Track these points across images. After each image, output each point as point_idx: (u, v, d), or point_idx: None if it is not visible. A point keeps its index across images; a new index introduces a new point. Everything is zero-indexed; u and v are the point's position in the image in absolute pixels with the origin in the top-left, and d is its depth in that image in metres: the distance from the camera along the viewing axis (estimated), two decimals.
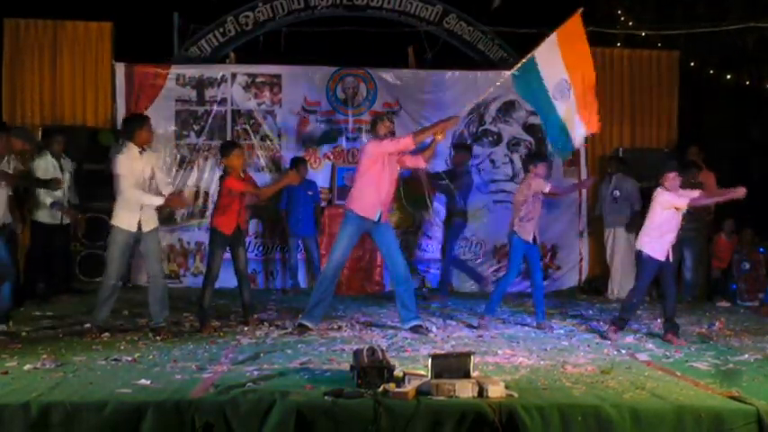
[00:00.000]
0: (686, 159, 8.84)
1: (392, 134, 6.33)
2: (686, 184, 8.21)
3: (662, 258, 6.16)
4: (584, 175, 9.69)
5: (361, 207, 6.18)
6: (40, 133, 8.43)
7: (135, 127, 5.97)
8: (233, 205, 6.34)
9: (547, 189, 6.67)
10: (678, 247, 8.12)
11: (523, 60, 6.11)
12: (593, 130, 6.13)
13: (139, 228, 5.90)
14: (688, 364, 5.23)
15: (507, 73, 6.29)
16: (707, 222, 8.90)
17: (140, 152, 5.93)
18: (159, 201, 5.90)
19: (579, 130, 6.07)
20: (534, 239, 6.74)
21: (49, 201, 7.49)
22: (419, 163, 6.43)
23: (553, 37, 5.96)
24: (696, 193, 6.24)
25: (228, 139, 9.01)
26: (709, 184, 8.83)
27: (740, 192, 6.10)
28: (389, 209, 6.37)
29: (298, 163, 8.75)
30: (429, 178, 7.92)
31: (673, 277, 6.42)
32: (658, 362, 5.31)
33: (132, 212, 5.87)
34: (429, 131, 6.18)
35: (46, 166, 7.60)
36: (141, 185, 5.89)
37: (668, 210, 6.09)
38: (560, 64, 5.94)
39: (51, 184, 7.39)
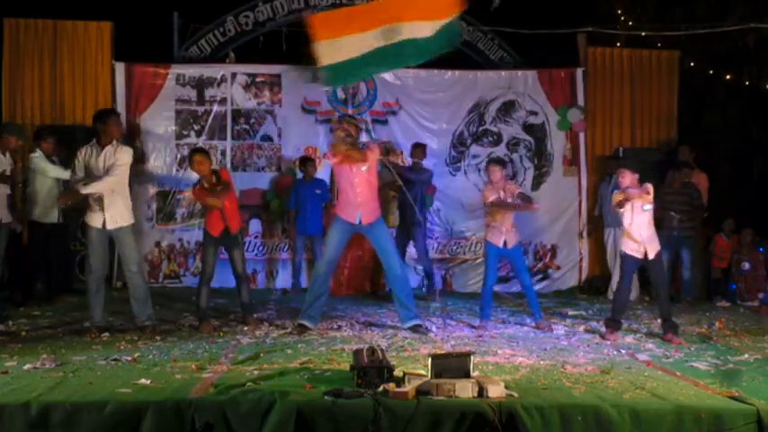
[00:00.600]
0: (678, 159, 8.84)
1: (353, 138, 6.23)
2: (677, 184, 8.26)
3: (638, 256, 6.21)
4: (583, 175, 9.70)
5: (341, 210, 6.31)
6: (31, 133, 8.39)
7: (102, 121, 6.00)
8: (213, 209, 6.36)
9: (490, 199, 6.61)
10: (674, 246, 8.17)
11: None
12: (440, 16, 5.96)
13: (104, 225, 5.93)
14: (688, 364, 5.23)
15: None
16: (702, 221, 8.88)
17: (103, 146, 5.95)
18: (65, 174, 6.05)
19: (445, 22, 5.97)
20: (505, 243, 6.67)
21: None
22: (376, 153, 6.36)
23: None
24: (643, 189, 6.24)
25: (229, 139, 9.03)
26: (702, 184, 8.84)
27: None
28: (374, 210, 6.30)
29: (305, 163, 8.75)
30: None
31: (662, 276, 6.40)
32: (658, 362, 5.31)
33: (96, 210, 5.95)
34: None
35: (38, 163, 7.55)
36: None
37: (626, 207, 6.15)
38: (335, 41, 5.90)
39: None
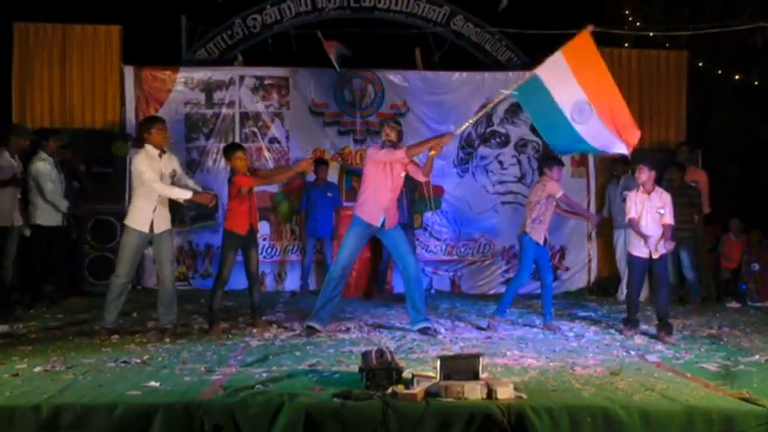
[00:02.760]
0: (677, 159, 8.81)
1: (393, 142, 6.21)
2: (676, 184, 8.22)
3: (645, 256, 6.30)
4: (591, 176, 9.68)
5: (364, 212, 6.21)
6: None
7: (148, 128, 5.99)
8: (243, 205, 6.36)
9: (559, 194, 6.67)
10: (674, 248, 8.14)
11: (526, 79, 5.89)
12: (630, 148, 5.91)
13: (151, 229, 5.93)
14: (698, 366, 5.20)
15: (505, 92, 6.13)
16: (702, 220, 8.81)
17: (159, 154, 5.96)
18: (187, 194, 5.90)
19: (616, 147, 5.92)
20: (545, 241, 6.76)
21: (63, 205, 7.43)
22: (419, 176, 6.35)
23: (558, 55, 5.71)
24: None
25: (237, 141, 9.05)
26: (702, 183, 8.79)
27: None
28: (395, 215, 6.32)
29: (319, 165, 8.76)
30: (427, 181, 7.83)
31: (664, 276, 6.44)
32: (668, 363, 5.28)
33: (145, 213, 5.90)
34: (424, 146, 6.12)
35: (45, 167, 7.51)
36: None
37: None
38: (574, 84, 5.66)
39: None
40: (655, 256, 6.30)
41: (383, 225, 6.20)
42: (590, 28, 5.73)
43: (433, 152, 6.08)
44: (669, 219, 6.30)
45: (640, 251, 6.34)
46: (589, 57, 5.73)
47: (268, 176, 7.00)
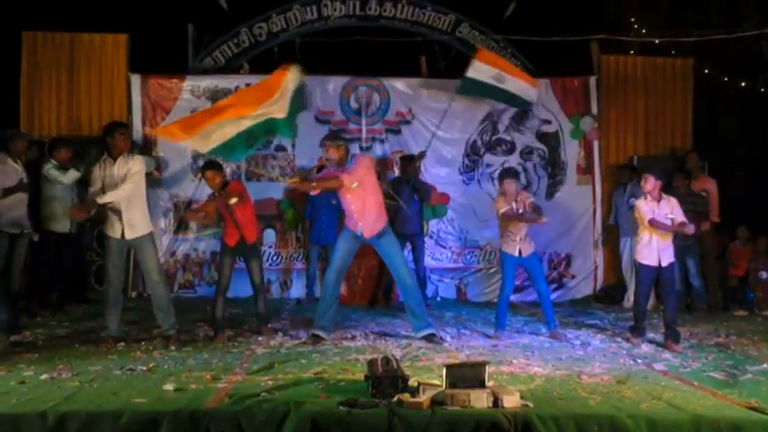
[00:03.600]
0: (686, 166, 8.77)
1: (334, 162, 6.26)
2: (682, 191, 8.20)
3: (653, 264, 6.31)
4: (597, 183, 9.66)
5: (347, 221, 6.35)
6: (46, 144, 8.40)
7: (113, 132, 6.02)
8: (227, 219, 6.39)
9: (502, 210, 6.65)
10: (679, 255, 8.11)
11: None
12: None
13: (123, 235, 5.95)
14: (705, 374, 5.18)
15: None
16: (711, 228, 8.77)
17: (115, 158, 5.98)
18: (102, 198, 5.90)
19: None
20: (520, 252, 6.69)
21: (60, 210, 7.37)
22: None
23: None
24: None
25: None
26: (711, 191, 8.76)
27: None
28: (375, 223, 6.25)
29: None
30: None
31: (671, 285, 6.46)
32: (675, 371, 5.26)
33: (114, 218, 5.97)
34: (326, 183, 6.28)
35: (57, 176, 7.56)
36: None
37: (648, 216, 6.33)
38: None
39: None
40: (664, 264, 6.29)
41: (362, 234, 6.24)
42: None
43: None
44: (681, 218, 6.32)
45: (648, 259, 6.34)
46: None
47: (213, 201, 6.50)
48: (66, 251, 7.72)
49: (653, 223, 6.29)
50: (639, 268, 6.47)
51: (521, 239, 6.68)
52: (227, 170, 9.20)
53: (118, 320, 6.09)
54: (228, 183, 6.51)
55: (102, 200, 5.88)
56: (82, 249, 8.35)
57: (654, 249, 6.32)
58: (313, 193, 6.52)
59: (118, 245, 6.00)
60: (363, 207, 6.18)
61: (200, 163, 9.18)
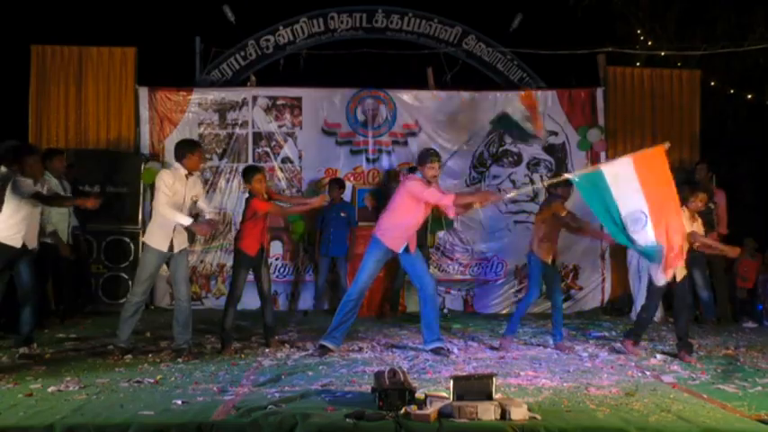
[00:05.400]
0: (695, 178, 8.74)
1: (436, 178, 6.24)
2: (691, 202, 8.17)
3: (669, 279, 6.14)
4: None
5: (387, 239, 6.18)
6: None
7: (185, 151, 6.03)
8: (257, 227, 6.40)
9: (564, 213, 6.66)
10: (687, 267, 8.07)
11: (589, 170, 6.02)
12: (666, 271, 5.89)
13: (171, 248, 5.96)
14: (715, 386, 5.15)
15: (567, 175, 6.13)
16: (721, 239, 8.72)
17: (186, 175, 6.01)
18: (187, 221, 5.89)
19: (656, 259, 5.79)
20: (553, 261, 6.71)
21: (49, 228, 7.16)
22: (450, 213, 6.30)
23: (628, 160, 5.72)
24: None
25: (250, 161, 9.12)
26: (720, 204, 8.72)
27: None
28: (415, 239, 6.33)
29: (333, 185, 8.77)
30: None
31: (684, 299, 6.39)
32: (684, 384, 5.23)
33: (165, 232, 5.93)
34: (472, 200, 6.23)
35: (49, 188, 7.52)
36: (179, 206, 5.93)
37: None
38: (638, 192, 5.60)
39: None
40: (678, 279, 6.21)
41: (407, 250, 6.23)
42: (665, 145, 5.75)
43: (478, 206, 6.26)
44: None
45: (662, 277, 6.16)
46: (659, 172, 5.70)
47: (284, 208, 7.23)
48: (65, 264, 7.57)
49: (694, 237, 6.22)
50: (653, 283, 6.32)
51: (555, 247, 6.71)
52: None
53: (131, 332, 6.08)
54: (269, 193, 6.63)
55: (188, 222, 5.88)
56: (83, 261, 8.32)
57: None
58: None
59: (159, 257, 5.97)
60: (419, 224, 6.27)
61: (207, 175, 9.24)
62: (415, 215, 6.16)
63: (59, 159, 7.42)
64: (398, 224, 6.15)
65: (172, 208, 5.86)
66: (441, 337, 6.38)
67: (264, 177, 6.55)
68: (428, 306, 6.31)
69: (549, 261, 6.67)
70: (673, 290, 6.40)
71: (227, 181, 9.37)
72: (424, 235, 8.48)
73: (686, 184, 8.47)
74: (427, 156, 6.17)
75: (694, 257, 8.05)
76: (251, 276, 6.58)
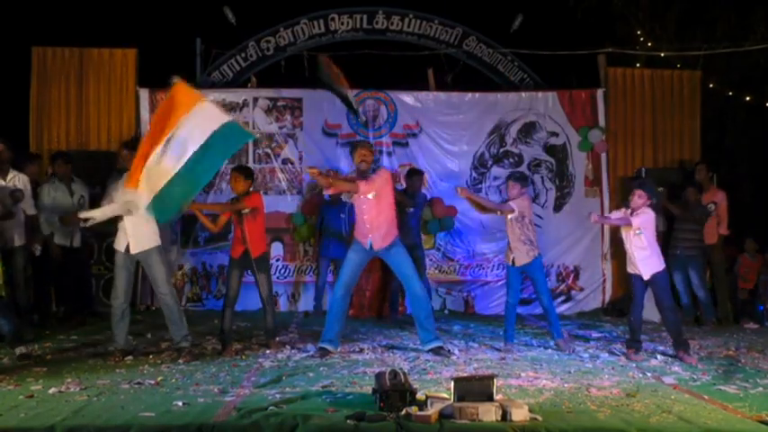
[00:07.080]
0: (694, 178, 8.74)
1: (366, 164, 6.24)
2: (690, 202, 8.17)
3: (636, 272, 6.28)
4: (606, 196, 9.65)
5: (356, 234, 6.35)
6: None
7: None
8: (236, 230, 6.42)
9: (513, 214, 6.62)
10: (683, 266, 8.08)
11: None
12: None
13: (127, 250, 5.99)
14: (716, 387, 5.14)
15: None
16: (721, 240, 8.73)
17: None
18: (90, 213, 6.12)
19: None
20: (513, 261, 6.64)
21: (45, 230, 7.30)
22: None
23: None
24: None
25: (251, 163, 9.15)
26: (721, 204, 8.72)
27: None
28: (387, 236, 6.24)
29: None
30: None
31: (662, 297, 6.27)
32: (685, 385, 5.23)
33: (121, 233, 6.03)
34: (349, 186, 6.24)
35: (49, 191, 7.55)
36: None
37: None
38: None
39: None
40: (645, 277, 6.22)
41: (371, 247, 6.23)
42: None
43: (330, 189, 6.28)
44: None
45: (635, 270, 6.30)
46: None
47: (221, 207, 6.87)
48: (69, 264, 7.69)
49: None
50: (631, 279, 6.44)
51: (513, 248, 6.63)
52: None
53: (125, 334, 6.09)
54: (250, 193, 6.49)
55: (84, 214, 6.09)
56: (86, 263, 8.34)
57: (632, 261, 6.29)
58: (328, 191, 6.41)
59: (124, 258, 6.03)
60: (376, 219, 6.20)
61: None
62: (359, 209, 6.25)
63: (61, 163, 7.58)
64: (356, 220, 6.34)
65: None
66: (438, 337, 6.37)
67: (238, 176, 6.38)
68: (415, 306, 6.34)
69: (510, 263, 6.68)
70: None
71: (228, 182, 9.33)
72: (417, 236, 8.46)
73: (690, 184, 8.49)
74: (353, 147, 6.42)
75: (690, 257, 8.08)
76: (250, 278, 6.58)
